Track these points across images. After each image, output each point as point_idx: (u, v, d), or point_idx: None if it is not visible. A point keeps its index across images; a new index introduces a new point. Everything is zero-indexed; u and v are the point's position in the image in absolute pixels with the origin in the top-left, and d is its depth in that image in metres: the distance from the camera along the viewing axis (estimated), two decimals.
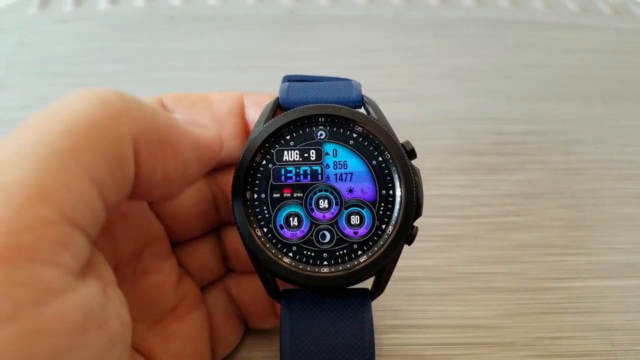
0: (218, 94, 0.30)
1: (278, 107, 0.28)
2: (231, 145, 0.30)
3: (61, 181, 0.19)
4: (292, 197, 0.27)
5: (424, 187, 0.28)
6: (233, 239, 0.30)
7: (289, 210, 0.27)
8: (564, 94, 0.46)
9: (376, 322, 0.32)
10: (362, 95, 0.28)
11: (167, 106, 0.30)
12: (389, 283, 0.28)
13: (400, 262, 0.27)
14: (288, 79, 0.31)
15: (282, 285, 0.28)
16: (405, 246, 0.27)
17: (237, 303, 0.30)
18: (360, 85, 0.30)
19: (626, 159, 0.41)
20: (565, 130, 0.43)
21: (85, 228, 0.19)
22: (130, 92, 0.44)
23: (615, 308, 0.34)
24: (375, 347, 0.27)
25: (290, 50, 0.48)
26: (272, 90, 0.30)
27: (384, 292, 0.28)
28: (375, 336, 0.30)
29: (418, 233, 0.27)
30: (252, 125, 0.29)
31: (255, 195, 0.27)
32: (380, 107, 0.28)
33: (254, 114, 0.29)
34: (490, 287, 0.34)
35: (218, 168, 0.31)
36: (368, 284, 0.28)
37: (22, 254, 0.17)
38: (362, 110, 0.28)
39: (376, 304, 0.28)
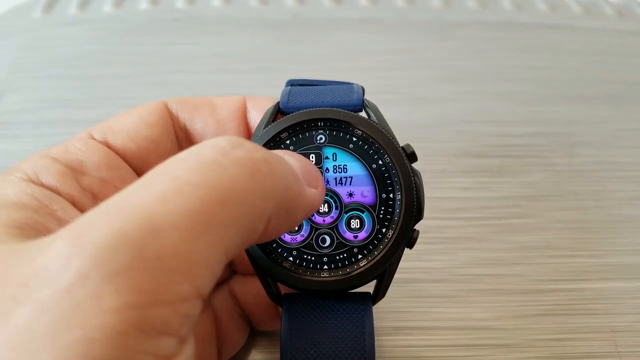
0: (221, 98, 0.31)
1: (278, 111, 0.28)
2: None
3: (206, 257, 0.18)
4: None
5: (427, 190, 0.28)
6: None
7: None
8: (567, 96, 0.46)
9: (379, 323, 0.32)
10: (363, 99, 0.28)
11: (172, 110, 0.30)
12: (391, 285, 0.28)
13: (403, 264, 0.28)
14: (291, 83, 0.31)
15: (283, 289, 0.28)
16: (408, 248, 0.27)
17: (241, 305, 0.31)
18: (362, 88, 0.30)
19: (630, 161, 0.41)
20: (568, 133, 0.43)
21: (206, 296, 0.19)
22: (135, 95, 0.45)
23: (618, 309, 0.34)
24: (378, 348, 0.27)
25: (293, 53, 0.48)
26: (275, 93, 0.30)
27: (387, 295, 0.28)
28: (378, 338, 0.30)
29: (421, 235, 0.27)
30: (254, 129, 0.29)
31: None
32: (383, 109, 0.28)
33: (255, 118, 0.30)
34: (493, 289, 0.34)
35: None
36: (370, 287, 0.28)
37: (156, 327, 0.17)
38: (363, 113, 0.28)
39: (379, 306, 0.28)
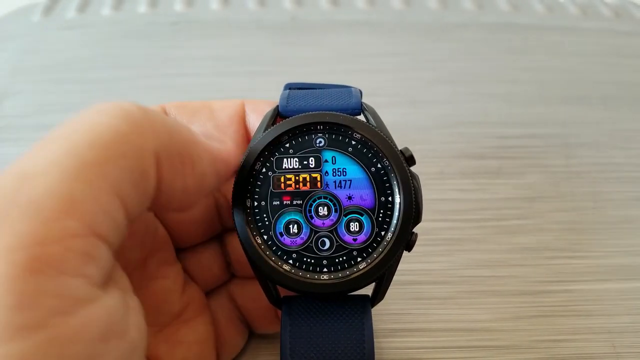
0: (219, 102, 0.31)
1: (278, 115, 0.28)
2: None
3: (88, 193, 0.19)
4: (291, 205, 0.27)
5: (426, 191, 0.28)
6: (236, 245, 0.30)
7: (288, 218, 0.27)
8: (564, 98, 0.46)
9: (378, 325, 0.32)
10: (362, 102, 0.29)
11: (170, 114, 0.30)
12: (391, 287, 0.28)
13: (402, 266, 0.28)
14: (289, 86, 0.31)
15: (283, 291, 0.28)
16: (407, 251, 0.27)
17: (240, 308, 0.31)
18: (360, 92, 0.30)
19: (626, 162, 0.42)
20: (565, 134, 0.43)
21: (109, 239, 0.20)
22: (134, 98, 0.44)
23: (616, 310, 0.34)
24: (378, 350, 0.27)
25: (291, 56, 0.49)
26: (273, 96, 0.30)
27: (386, 296, 0.28)
28: (378, 340, 0.31)
29: (420, 237, 0.27)
30: (253, 133, 0.29)
31: (255, 203, 0.27)
32: (382, 111, 0.29)
33: (254, 121, 0.30)
34: (492, 290, 0.35)
35: None
36: (368, 290, 0.28)
37: (51, 265, 0.18)
38: (362, 117, 0.28)
39: (379, 308, 0.28)
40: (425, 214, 0.28)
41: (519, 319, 0.33)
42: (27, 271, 0.17)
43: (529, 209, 0.39)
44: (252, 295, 0.30)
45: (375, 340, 0.27)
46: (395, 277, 0.28)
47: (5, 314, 0.17)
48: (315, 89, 0.30)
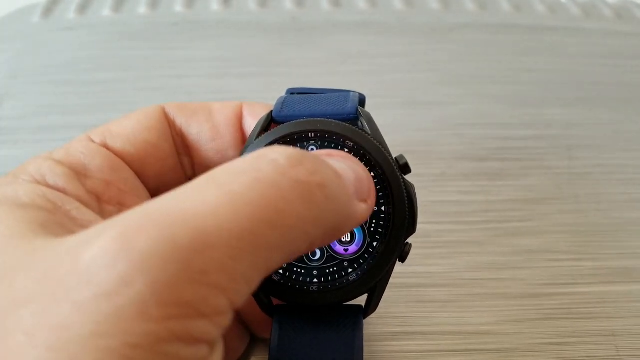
0: (219, 103, 0.31)
1: (272, 120, 0.28)
2: (229, 155, 0.30)
3: (247, 275, 0.19)
4: None
5: (427, 194, 0.28)
6: None
7: None
8: (567, 99, 0.46)
9: (379, 329, 0.32)
10: (357, 108, 0.28)
11: (169, 114, 0.30)
12: (391, 290, 0.28)
13: (403, 269, 0.27)
14: (291, 91, 0.30)
15: (276, 300, 0.27)
16: (400, 262, 0.27)
17: (241, 312, 0.31)
18: (358, 96, 0.29)
19: (630, 163, 0.41)
20: (568, 135, 0.43)
21: (238, 308, 0.20)
22: (135, 100, 0.45)
23: (619, 313, 0.34)
24: (378, 354, 0.27)
25: (292, 57, 0.48)
26: (275, 98, 0.30)
27: (386, 299, 0.28)
28: (378, 343, 0.30)
29: (421, 240, 0.27)
30: (247, 135, 0.29)
31: None
32: (383, 113, 0.28)
33: (251, 124, 0.29)
34: (493, 293, 0.34)
35: None
36: (361, 300, 0.27)
37: (195, 337, 0.18)
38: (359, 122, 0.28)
39: (378, 311, 0.28)
40: (426, 216, 0.27)
41: (521, 321, 0.33)
42: (176, 338, 0.17)
43: (532, 211, 0.38)
44: (251, 300, 0.30)
45: (375, 343, 0.26)
46: (396, 280, 0.27)
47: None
48: (317, 93, 0.30)
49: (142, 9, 0.53)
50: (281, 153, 0.20)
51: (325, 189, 0.21)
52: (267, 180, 0.19)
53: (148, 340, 0.17)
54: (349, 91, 0.30)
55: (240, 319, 0.31)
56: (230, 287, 0.18)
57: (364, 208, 0.23)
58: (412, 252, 0.28)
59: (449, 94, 0.46)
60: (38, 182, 0.25)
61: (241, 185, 0.19)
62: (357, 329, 0.26)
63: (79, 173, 0.26)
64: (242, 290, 0.19)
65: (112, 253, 0.17)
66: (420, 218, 0.27)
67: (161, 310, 0.17)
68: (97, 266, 0.17)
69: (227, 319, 0.19)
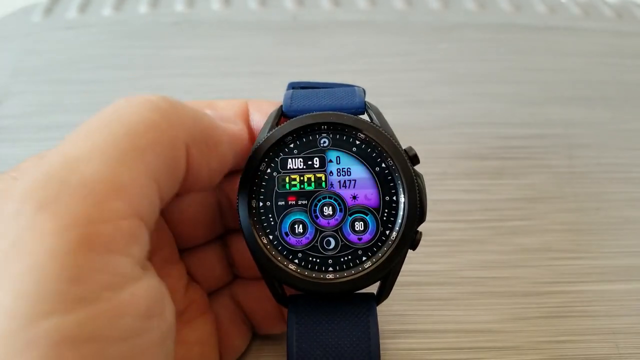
0: (223, 101, 0.31)
1: (282, 115, 0.29)
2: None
3: (131, 177, 0.20)
4: (296, 205, 0.27)
5: (428, 192, 0.28)
6: (238, 245, 0.30)
7: (294, 218, 0.27)
8: (567, 98, 0.46)
9: (381, 327, 0.32)
10: (365, 102, 0.29)
11: None
12: (394, 288, 0.28)
13: (405, 267, 0.28)
14: (293, 85, 0.31)
15: (289, 290, 0.28)
16: (411, 251, 0.27)
17: (243, 309, 0.31)
18: (364, 91, 0.30)
19: (630, 162, 0.42)
20: (569, 134, 0.43)
21: (148, 222, 0.21)
22: None
23: (619, 311, 0.34)
24: (381, 351, 0.27)
25: (293, 56, 0.49)
26: (275, 96, 0.30)
27: (389, 297, 0.28)
28: (381, 341, 0.30)
29: (423, 238, 0.27)
30: (256, 132, 0.29)
31: (261, 204, 0.27)
32: (384, 112, 0.29)
33: (258, 121, 0.30)
34: (494, 291, 0.35)
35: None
36: (374, 288, 0.28)
37: (102, 244, 0.19)
38: (365, 116, 0.28)
39: (381, 309, 0.28)
40: (427, 215, 0.28)
41: (522, 320, 0.33)
42: (81, 248, 0.18)
43: (532, 210, 0.38)
44: (255, 295, 0.30)
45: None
46: (397, 278, 0.28)
47: (62, 287, 0.18)
48: (319, 87, 0.30)
49: (143, 8, 0.53)
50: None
51: (167, 100, 0.23)
52: (112, 108, 0.22)
53: (52, 255, 0.18)
54: (353, 85, 0.30)
55: (242, 316, 0.31)
56: (119, 190, 0.20)
57: (233, 127, 0.27)
58: (413, 250, 0.28)
59: (450, 93, 0.46)
60: None
61: (95, 118, 0.22)
62: (372, 315, 0.27)
63: None
64: (136, 193, 0.20)
65: (3, 195, 0.21)
66: None
67: (53, 223, 0.18)
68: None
69: (135, 227, 0.20)
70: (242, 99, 0.31)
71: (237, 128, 0.27)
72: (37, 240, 0.18)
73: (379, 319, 0.28)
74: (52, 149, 0.21)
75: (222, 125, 0.26)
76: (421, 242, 0.27)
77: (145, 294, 0.20)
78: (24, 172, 0.21)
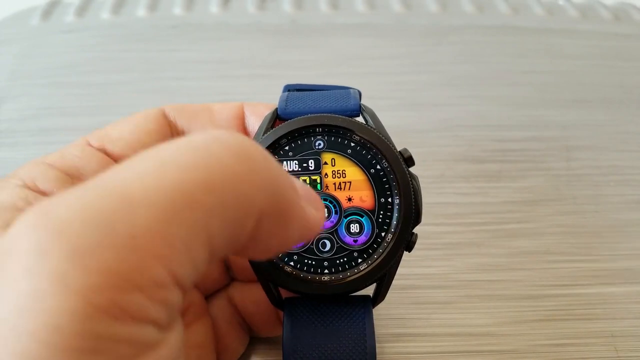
0: (219, 104, 0.31)
1: (277, 117, 0.29)
2: None
3: (185, 242, 0.17)
4: None
5: (425, 195, 0.28)
6: None
7: None
8: (564, 100, 0.46)
9: (378, 330, 0.32)
10: (360, 104, 0.29)
11: (170, 117, 0.30)
12: (390, 291, 0.28)
13: (402, 270, 0.28)
14: (288, 88, 0.31)
15: (285, 293, 0.28)
16: (407, 254, 0.27)
17: (241, 312, 0.31)
18: (359, 93, 0.30)
19: (628, 164, 0.41)
20: (566, 137, 0.43)
21: (185, 286, 0.18)
22: (134, 102, 0.45)
23: (618, 314, 0.34)
24: (379, 356, 0.27)
25: (291, 59, 0.49)
26: (274, 99, 0.30)
27: (386, 301, 0.28)
28: (378, 345, 0.30)
29: (420, 241, 0.28)
30: (252, 135, 0.29)
31: None
32: (382, 114, 0.29)
33: (254, 124, 0.30)
34: (492, 294, 0.34)
35: None
36: (370, 291, 0.28)
37: (130, 313, 0.16)
38: (361, 118, 0.28)
39: (378, 313, 0.28)
40: (425, 218, 0.28)
41: (520, 323, 0.33)
42: (106, 316, 0.16)
43: (530, 213, 0.38)
44: (253, 298, 0.30)
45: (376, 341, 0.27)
46: (394, 282, 0.28)
47: (75, 358, 0.15)
48: (314, 90, 0.30)
49: (141, 12, 0.53)
50: (217, 129, 0.20)
51: (263, 154, 0.19)
52: (199, 145, 0.18)
53: (71, 319, 0.15)
54: (348, 88, 0.30)
55: (239, 319, 0.31)
56: (166, 254, 0.17)
57: (313, 212, 0.22)
58: (410, 253, 0.28)
59: (448, 96, 0.46)
60: (27, 186, 0.25)
61: (171, 151, 0.18)
62: (368, 317, 0.27)
63: (72, 176, 0.26)
64: (182, 260, 0.17)
65: (30, 223, 0.16)
66: None
67: (82, 280, 0.15)
68: (13, 243, 0.16)
69: (171, 295, 0.17)
70: (238, 102, 0.31)
71: (316, 215, 0.23)
72: (58, 297, 0.15)
73: (376, 322, 0.28)
74: (102, 175, 0.17)
75: (303, 207, 0.22)
76: (419, 245, 0.27)
77: (164, 357, 0.18)
78: (60, 196, 0.17)
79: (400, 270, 0.28)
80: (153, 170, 0.17)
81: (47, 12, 0.53)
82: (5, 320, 0.15)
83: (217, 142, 0.19)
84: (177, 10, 0.53)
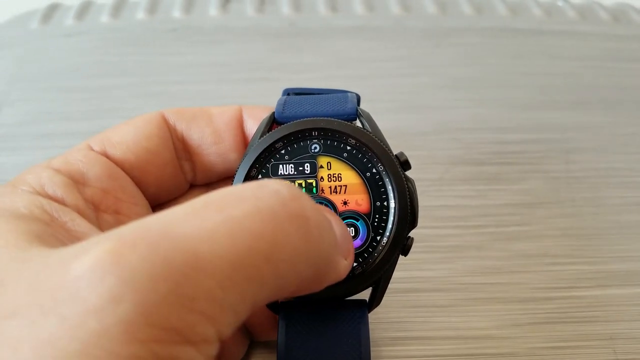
0: (218, 108, 0.31)
1: (274, 121, 0.29)
2: (230, 158, 0.31)
3: (235, 306, 0.18)
4: None
5: (424, 198, 0.28)
6: None
7: None
8: (563, 102, 0.46)
9: (378, 334, 0.32)
10: (357, 108, 0.29)
11: (169, 120, 0.30)
12: (389, 294, 0.28)
13: (401, 274, 0.28)
14: (288, 91, 0.31)
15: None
16: (406, 257, 0.27)
17: None
18: (356, 96, 0.30)
19: (627, 166, 0.41)
20: (565, 139, 0.43)
21: (226, 339, 0.19)
22: (134, 106, 0.45)
23: (617, 317, 0.34)
24: (376, 359, 0.27)
25: (290, 62, 0.49)
26: (273, 102, 0.30)
27: (385, 304, 0.28)
28: (377, 349, 0.30)
29: (419, 244, 0.28)
30: (249, 138, 0.29)
31: None
32: (380, 117, 0.29)
33: (252, 127, 0.30)
34: (492, 297, 0.34)
35: (216, 181, 0.32)
36: (365, 295, 0.28)
37: None
38: (358, 122, 0.28)
39: (377, 316, 0.28)
40: (423, 221, 0.28)
41: (519, 326, 0.33)
42: None
43: (529, 215, 0.38)
44: None
45: (374, 349, 0.26)
46: (393, 285, 0.28)
47: None
48: (313, 93, 0.30)
49: (141, 15, 0.53)
50: (283, 185, 0.20)
51: (320, 228, 0.20)
52: (268, 210, 0.19)
53: None
54: (346, 91, 0.30)
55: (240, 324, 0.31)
56: (218, 317, 0.18)
57: (344, 264, 0.23)
58: (409, 256, 0.28)
59: (446, 98, 0.46)
60: (37, 192, 0.25)
61: (241, 211, 0.19)
62: (363, 322, 0.27)
63: (77, 181, 0.27)
64: (230, 321, 0.18)
65: (102, 268, 0.17)
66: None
67: (148, 332, 0.16)
68: (86, 280, 0.17)
69: (213, 348, 0.18)
70: (236, 105, 0.31)
71: (346, 264, 0.24)
72: (127, 344, 0.16)
73: (376, 326, 0.28)
74: (172, 221, 0.18)
75: (338, 261, 0.23)
76: (417, 248, 0.27)
77: None
78: (131, 236, 0.17)
79: (398, 273, 0.28)
80: (223, 233, 0.18)
81: (47, 16, 0.53)
82: (69, 354, 0.16)
83: (283, 208, 0.19)
84: (177, 13, 0.53)
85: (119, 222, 0.27)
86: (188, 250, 0.17)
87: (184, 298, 0.17)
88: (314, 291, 0.23)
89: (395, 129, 0.43)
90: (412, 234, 0.28)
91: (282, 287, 0.20)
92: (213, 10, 0.53)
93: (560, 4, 0.56)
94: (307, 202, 0.21)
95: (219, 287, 0.17)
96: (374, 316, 0.28)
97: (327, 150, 0.28)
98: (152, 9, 0.53)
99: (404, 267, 0.28)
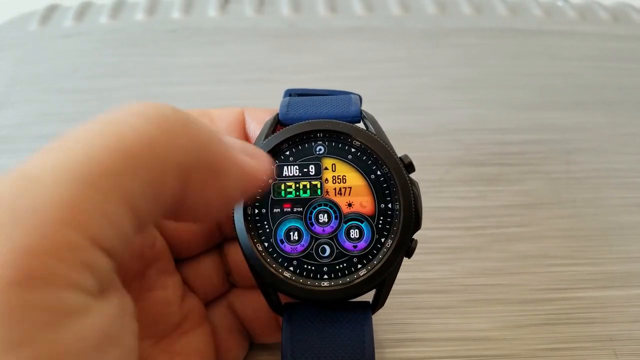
0: (219, 110, 0.31)
1: (278, 122, 0.29)
2: None
3: (95, 203, 0.18)
4: (292, 212, 0.27)
5: (424, 199, 0.28)
6: (235, 254, 0.30)
7: (289, 225, 0.27)
8: (563, 103, 0.46)
9: (379, 335, 0.32)
10: (361, 110, 0.29)
11: None
12: (390, 296, 0.28)
13: (401, 275, 0.28)
14: (289, 92, 0.31)
15: (284, 298, 0.28)
16: (407, 259, 0.27)
17: (240, 318, 0.31)
18: (360, 98, 0.30)
19: (627, 167, 0.41)
20: (565, 139, 0.43)
21: (112, 249, 0.19)
22: None
23: (617, 318, 0.34)
24: None
25: (290, 63, 0.49)
26: (272, 103, 0.30)
27: (386, 306, 0.28)
28: (378, 350, 0.30)
29: (420, 246, 0.27)
30: (253, 140, 0.29)
31: (256, 211, 0.27)
32: (380, 118, 0.29)
33: (254, 129, 0.30)
34: (491, 298, 0.34)
35: None
36: (369, 297, 0.28)
37: (40, 278, 0.17)
38: (361, 124, 0.28)
39: (378, 318, 0.28)
40: (424, 222, 0.28)
41: (520, 327, 0.33)
42: (13, 285, 0.16)
43: (529, 216, 0.38)
44: (252, 304, 0.30)
45: (376, 350, 0.26)
46: (394, 287, 0.28)
47: None
48: (315, 95, 0.30)
49: (140, 16, 0.53)
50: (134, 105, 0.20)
51: (179, 115, 0.20)
52: (110, 117, 0.19)
53: None
54: (349, 93, 0.30)
55: (239, 326, 0.31)
56: (77, 218, 0.17)
57: (250, 161, 0.23)
58: (410, 258, 0.28)
59: (446, 99, 0.46)
60: None
61: (79, 129, 0.19)
62: (367, 324, 0.27)
63: None
64: (100, 224, 0.18)
65: None
66: None
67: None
68: None
69: (96, 258, 0.18)
70: (239, 108, 0.31)
71: (257, 165, 0.24)
72: None
73: (376, 327, 0.28)
74: (19, 165, 0.18)
75: (236, 156, 0.23)
76: (418, 250, 0.27)
77: (96, 325, 0.18)
78: None
79: (400, 275, 0.28)
80: (55, 147, 0.18)
81: (46, 17, 0.53)
82: None
83: (129, 111, 0.20)
84: (176, 14, 0.53)
85: None
86: (18, 171, 0.18)
87: (20, 212, 0.17)
88: (229, 196, 0.23)
89: (395, 130, 0.42)
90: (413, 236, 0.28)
91: (158, 180, 0.19)
92: (212, 11, 0.53)
93: (560, 4, 0.56)
94: (163, 105, 0.21)
95: (64, 190, 0.17)
96: (374, 318, 0.28)
97: (332, 152, 0.28)
98: (151, 9, 0.53)
99: (404, 269, 0.28)
